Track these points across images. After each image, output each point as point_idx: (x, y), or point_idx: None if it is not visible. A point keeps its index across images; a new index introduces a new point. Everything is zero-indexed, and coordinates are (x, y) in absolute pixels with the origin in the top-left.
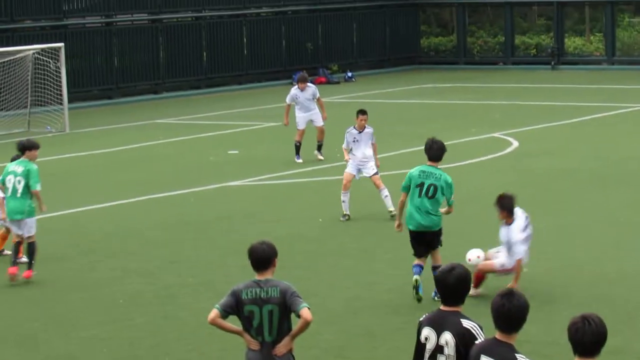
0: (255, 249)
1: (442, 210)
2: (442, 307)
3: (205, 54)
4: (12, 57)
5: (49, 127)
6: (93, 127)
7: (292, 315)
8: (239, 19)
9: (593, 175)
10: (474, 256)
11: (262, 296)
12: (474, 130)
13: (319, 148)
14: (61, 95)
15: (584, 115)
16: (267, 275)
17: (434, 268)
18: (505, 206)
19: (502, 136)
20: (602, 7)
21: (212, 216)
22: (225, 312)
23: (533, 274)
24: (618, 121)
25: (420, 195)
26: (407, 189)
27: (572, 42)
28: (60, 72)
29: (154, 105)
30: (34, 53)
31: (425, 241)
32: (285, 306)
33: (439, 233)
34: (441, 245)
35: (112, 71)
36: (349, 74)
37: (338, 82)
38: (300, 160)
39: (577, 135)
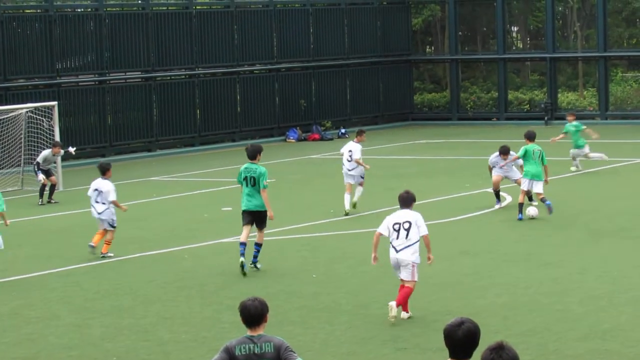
0: (247, 306)
1: None
2: None
3: (198, 111)
4: (5, 116)
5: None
6: (86, 185)
7: None
8: (232, 77)
9: (587, 228)
10: None
11: (255, 351)
12: (467, 185)
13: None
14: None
15: (585, 168)
16: (260, 331)
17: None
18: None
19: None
20: (595, 62)
21: (205, 273)
22: None
23: (526, 327)
24: (612, 175)
25: None
26: None
27: (566, 97)
28: (53, 130)
29: (147, 163)
30: (27, 111)
31: None
32: None
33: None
34: None
35: (105, 129)
36: (342, 131)
37: (331, 139)
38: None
39: (570, 190)
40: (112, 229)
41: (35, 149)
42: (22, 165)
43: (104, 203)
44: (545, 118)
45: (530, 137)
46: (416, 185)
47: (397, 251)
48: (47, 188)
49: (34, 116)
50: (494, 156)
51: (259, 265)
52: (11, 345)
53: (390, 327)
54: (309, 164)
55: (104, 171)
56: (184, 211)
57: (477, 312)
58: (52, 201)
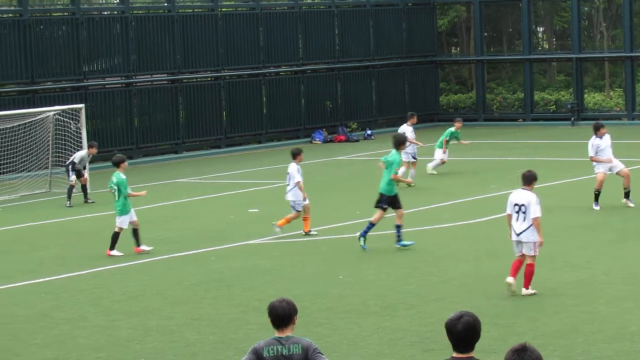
0: (275, 307)
1: None
2: (454, 355)
3: (224, 113)
4: (33, 119)
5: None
6: None
7: None
8: (258, 78)
9: (613, 229)
10: None
11: (284, 353)
12: (494, 186)
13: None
14: None
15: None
16: (288, 333)
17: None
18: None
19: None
20: (622, 63)
21: (233, 274)
22: None
23: (553, 328)
24: (639, 175)
25: None
26: None
27: (592, 98)
28: (80, 133)
29: (174, 165)
30: (54, 114)
31: None
32: None
33: None
34: None
35: (132, 131)
36: (368, 132)
37: (357, 140)
38: None
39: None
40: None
41: (63, 151)
42: (50, 167)
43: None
44: (572, 119)
45: None
46: (442, 187)
47: (517, 234)
48: (74, 190)
49: (62, 119)
50: (593, 140)
51: (406, 243)
52: (41, 346)
53: (417, 328)
54: (335, 165)
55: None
56: (211, 213)
57: (503, 313)
58: (89, 201)
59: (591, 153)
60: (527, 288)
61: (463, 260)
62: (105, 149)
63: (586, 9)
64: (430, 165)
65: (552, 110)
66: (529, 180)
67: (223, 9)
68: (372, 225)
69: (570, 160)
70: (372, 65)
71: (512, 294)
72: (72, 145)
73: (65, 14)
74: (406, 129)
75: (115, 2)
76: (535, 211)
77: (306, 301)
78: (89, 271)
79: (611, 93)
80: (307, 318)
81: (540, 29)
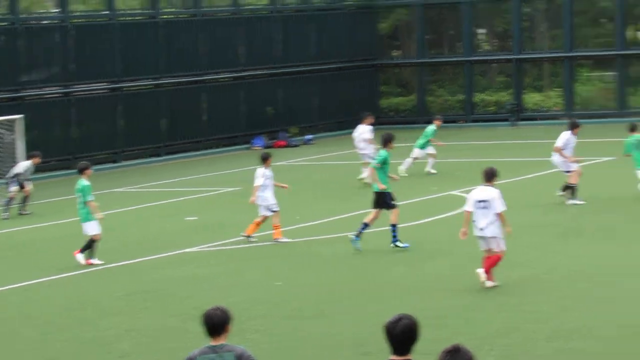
0: (210, 315)
1: None
2: (392, 358)
3: (164, 121)
4: None
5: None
6: (51, 198)
7: None
8: (198, 85)
9: (556, 228)
10: None
11: None
12: (434, 188)
13: None
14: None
15: (544, 170)
16: (222, 341)
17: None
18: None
19: (462, 194)
20: (561, 63)
21: (170, 283)
22: None
23: (494, 328)
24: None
25: None
26: None
27: (531, 98)
28: (16, 144)
29: (113, 175)
30: None
31: None
32: None
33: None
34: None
35: (70, 141)
36: (309, 137)
37: (297, 145)
38: None
39: (538, 190)
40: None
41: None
42: None
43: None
44: (512, 119)
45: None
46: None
47: (481, 229)
48: (13, 202)
49: None
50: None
51: (400, 245)
52: None
53: (354, 332)
54: (275, 171)
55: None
56: (148, 222)
57: (442, 315)
58: (25, 212)
59: (559, 144)
60: (487, 279)
61: (401, 262)
62: (42, 160)
63: (527, 10)
64: (403, 167)
65: (492, 111)
66: (490, 176)
67: (164, 16)
68: (393, 227)
69: (511, 161)
70: (313, 69)
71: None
72: (7, 157)
73: (3, 23)
74: (364, 129)
75: (54, 11)
76: (499, 206)
77: (243, 308)
78: (21, 284)
79: (550, 93)
80: (243, 325)
81: (482, 31)
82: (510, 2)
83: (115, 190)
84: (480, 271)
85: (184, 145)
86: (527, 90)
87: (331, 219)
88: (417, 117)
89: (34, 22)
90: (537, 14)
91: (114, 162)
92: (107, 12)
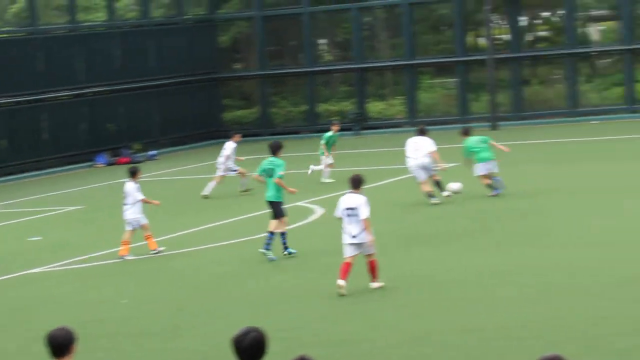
0: (53, 336)
1: None
2: None
3: (3, 141)
4: None
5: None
6: None
7: None
8: (38, 104)
9: (397, 236)
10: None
11: None
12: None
13: None
14: None
15: (388, 178)
16: None
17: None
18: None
19: (306, 204)
20: (403, 71)
21: (13, 305)
22: None
23: (340, 337)
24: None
25: None
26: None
27: (375, 107)
28: None
29: None
30: None
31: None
32: None
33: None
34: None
35: None
36: (152, 153)
37: (141, 162)
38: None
39: (380, 199)
40: None
41: None
42: None
43: None
44: (356, 128)
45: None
46: (226, 203)
47: (353, 236)
48: None
49: None
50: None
51: (291, 251)
52: None
53: (202, 347)
54: (118, 188)
55: None
56: None
57: (290, 328)
58: None
59: (434, 148)
60: (375, 282)
61: (247, 276)
62: None
63: (368, 19)
64: (323, 177)
65: (338, 120)
66: (357, 183)
67: (1, 35)
68: (280, 235)
69: (356, 170)
70: (154, 85)
71: (342, 295)
72: None
73: None
74: (231, 146)
75: None
76: (364, 212)
77: (90, 327)
78: None
79: (393, 101)
80: (90, 344)
81: (323, 41)
82: (350, 12)
83: None
84: (342, 282)
85: (25, 165)
86: (370, 99)
87: (179, 233)
88: (261, 129)
89: None
90: (377, 23)
91: None
92: None
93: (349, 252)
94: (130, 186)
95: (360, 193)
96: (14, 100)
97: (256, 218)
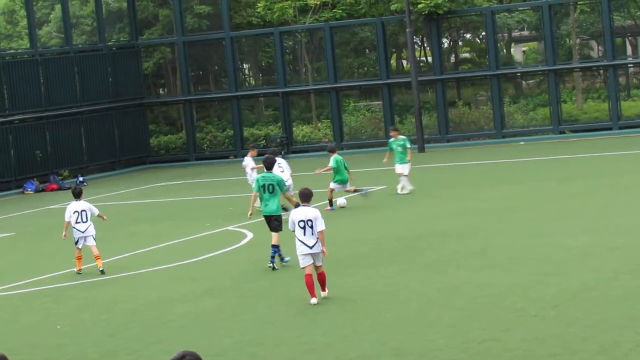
0: None
1: None
2: None
3: None
4: None
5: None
6: None
7: None
8: None
9: (327, 259)
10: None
11: None
12: (208, 224)
13: None
14: None
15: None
16: None
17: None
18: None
19: (236, 229)
20: (327, 94)
21: None
22: None
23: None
24: (350, 205)
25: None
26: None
27: (301, 131)
28: None
29: None
30: None
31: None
32: None
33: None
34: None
35: None
36: (80, 179)
37: (70, 188)
38: None
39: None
40: None
41: None
42: None
43: None
44: (282, 152)
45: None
46: (156, 228)
47: (310, 247)
48: None
49: None
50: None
51: (286, 259)
52: None
53: None
54: (47, 214)
55: None
56: None
57: (224, 352)
58: None
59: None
60: (324, 291)
61: (181, 300)
62: None
63: (290, 43)
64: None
65: (262, 145)
66: (307, 197)
67: None
68: (272, 246)
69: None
70: (79, 112)
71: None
72: None
73: None
74: (250, 160)
75: None
76: (320, 225)
77: (23, 354)
78: None
79: (319, 124)
80: None
81: (246, 66)
82: (272, 37)
83: None
84: (314, 300)
85: None
86: (295, 122)
87: (112, 259)
88: (188, 154)
89: None
90: (299, 47)
91: None
92: None
93: (305, 262)
94: (84, 204)
95: (310, 206)
96: None
97: (188, 242)
